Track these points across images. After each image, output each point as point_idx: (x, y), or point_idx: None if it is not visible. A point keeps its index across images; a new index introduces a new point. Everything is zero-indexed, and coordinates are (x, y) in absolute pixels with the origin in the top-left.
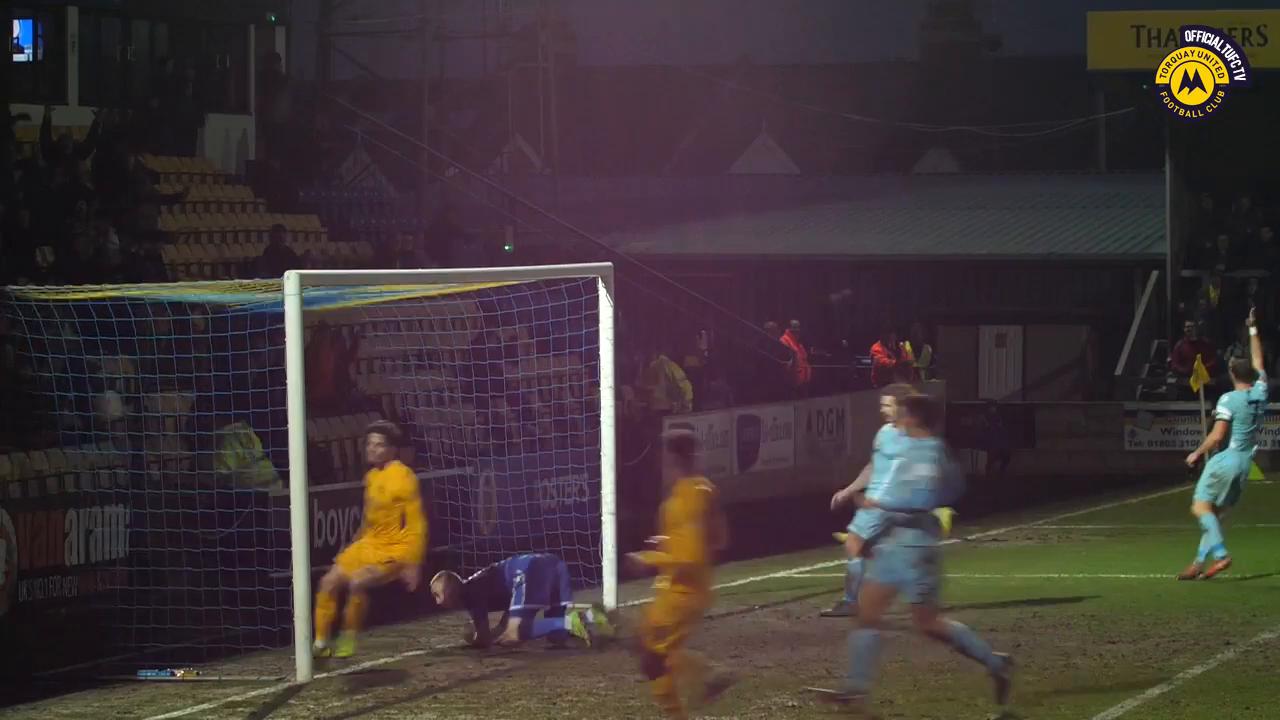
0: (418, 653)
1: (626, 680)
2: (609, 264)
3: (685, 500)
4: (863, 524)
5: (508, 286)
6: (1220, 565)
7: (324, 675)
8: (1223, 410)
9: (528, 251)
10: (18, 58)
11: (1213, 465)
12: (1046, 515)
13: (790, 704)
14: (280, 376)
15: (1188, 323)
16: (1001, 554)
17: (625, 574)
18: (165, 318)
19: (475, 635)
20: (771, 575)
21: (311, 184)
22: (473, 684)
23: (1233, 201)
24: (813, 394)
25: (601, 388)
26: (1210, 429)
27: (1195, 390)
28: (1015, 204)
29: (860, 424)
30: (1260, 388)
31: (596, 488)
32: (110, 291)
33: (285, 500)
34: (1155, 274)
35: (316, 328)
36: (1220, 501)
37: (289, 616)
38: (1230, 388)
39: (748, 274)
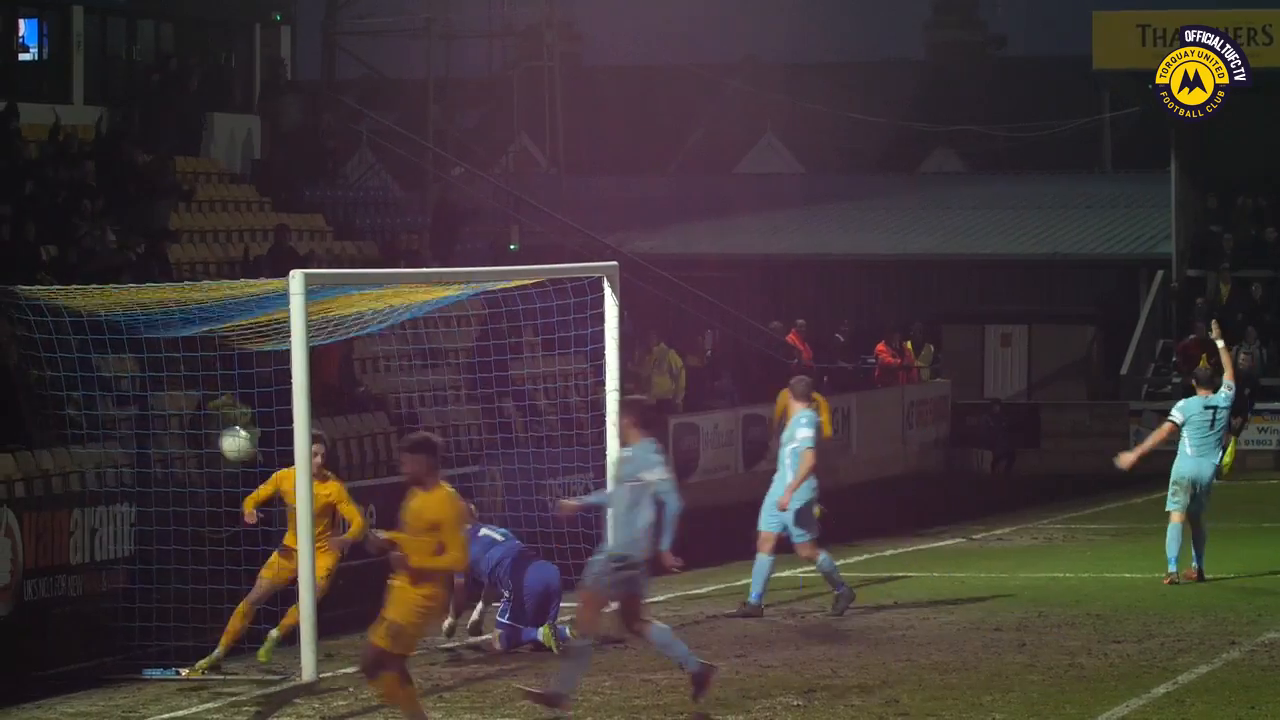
0: (422, 652)
1: (631, 680)
2: (614, 263)
3: (449, 503)
4: (771, 522)
5: (513, 286)
6: (1169, 578)
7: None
8: (1175, 413)
9: (533, 251)
10: (23, 57)
11: (1173, 473)
12: (1051, 515)
13: (795, 703)
14: (285, 375)
15: (1198, 323)
16: (1006, 553)
17: (371, 547)
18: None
19: (450, 606)
20: (776, 574)
21: (316, 183)
22: (478, 683)
23: (1238, 201)
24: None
25: (606, 387)
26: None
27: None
28: (1020, 203)
29: (866, 423)
30: (1222, 395)
31: (602, 487)
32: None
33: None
34: (1160, 273)
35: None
36: (1188, 509)
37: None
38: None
39: (753, 273)
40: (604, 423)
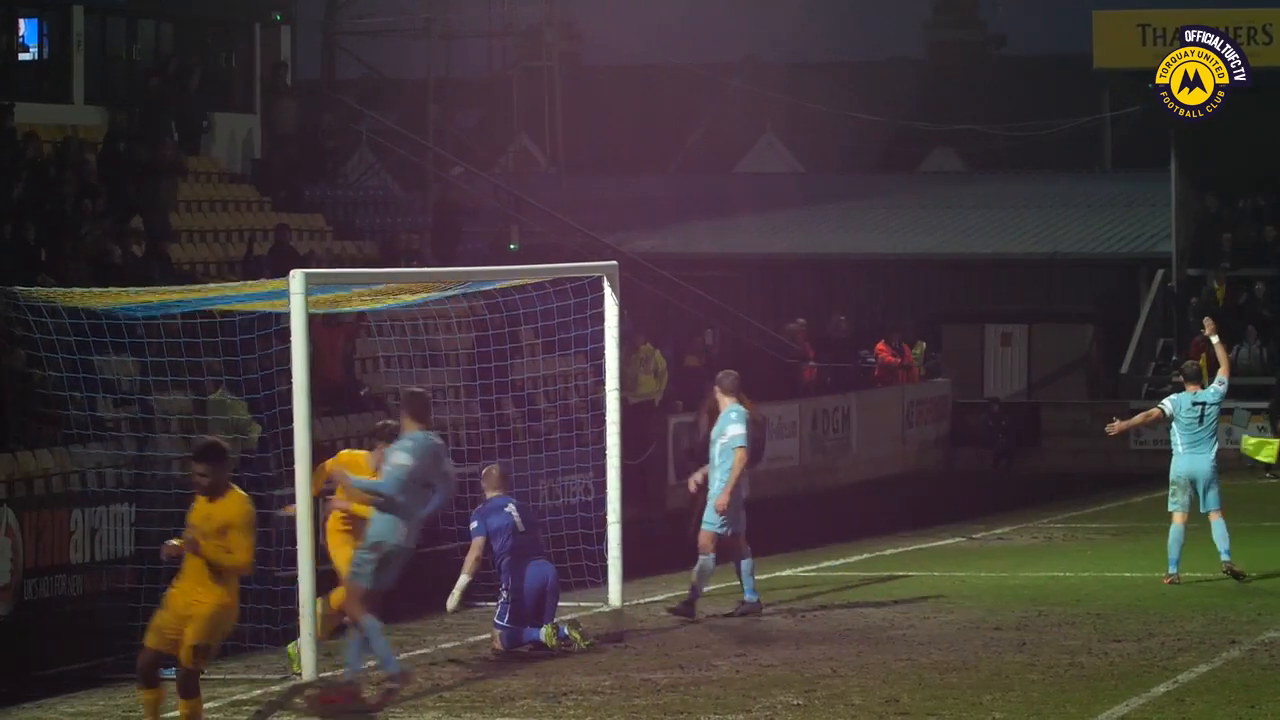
0: (423, 651)
1: (632, 679)
2: (614, 263)
3: (240, 506)
4: (713, 521)
5: (513, 285)
6: (1168, 578)
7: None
8: (1165, 403)
9: (533, 250)
10: (23, 57)
11: (1170, 474)
12: (1051, 514)
13: (796, 702)
14: (286, 375)
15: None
16: (1007, 552)
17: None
18: (174, 321)
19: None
20: (777, 574)
21: (316, 183)
22: (478, 683)
23: (1238, 200)
24: (818, 393)
25: (606, 387)
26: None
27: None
28: (1020, 203)
29: (866, 422)
30: (1212, 391)
31: (602, 487)
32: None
33: (290, 499)
34: (1160, 273)
35: (324, 319)
36: (1188, 508)
37: (294, 615)
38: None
39: (753, 273)
40: (604, 422)
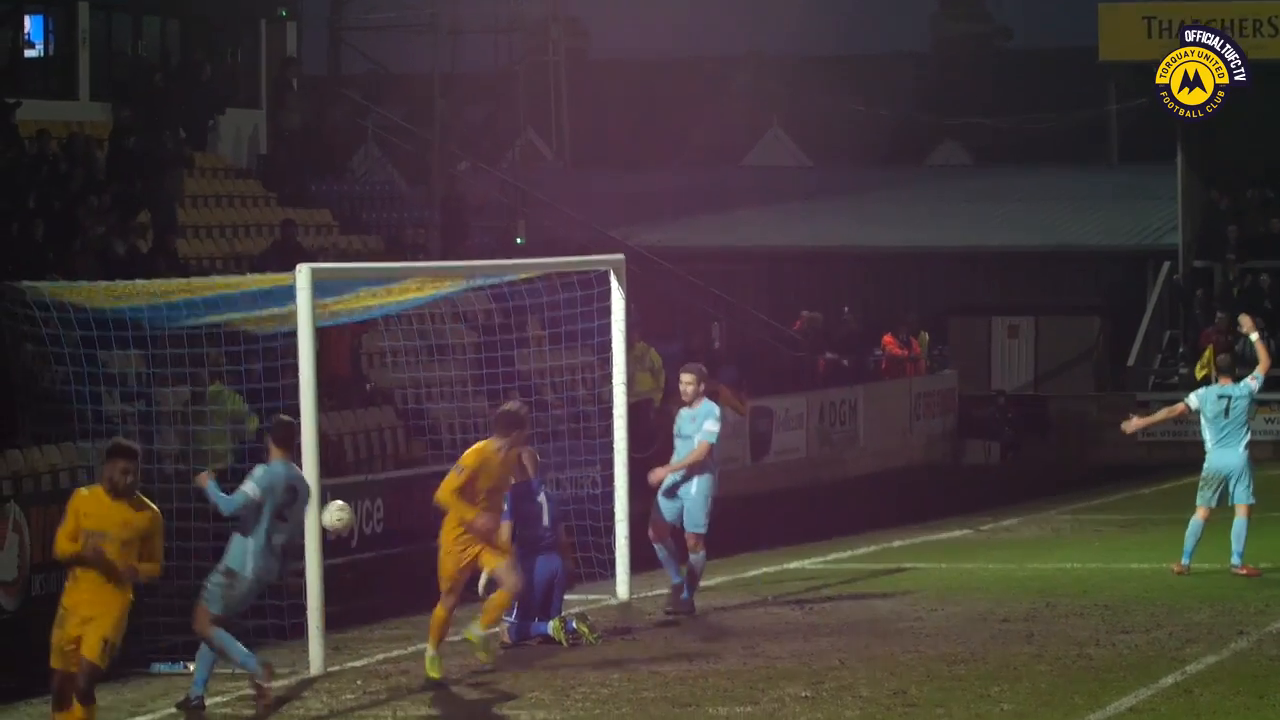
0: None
1: (640, 672)
2: (620, 256)
3: (158, 511)
4: (699, 523)
5: (520, 279)
6: (1179, 568)
7: (335, 669)
8: (1190, 398)
9: (539, 245)
10: (29, 53)
11: (1203, 469)
12: (1059, 506)
13: (804, 695)
14: (290, 370)
15: (1219, 314)
16: (1014, 544)
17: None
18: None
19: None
20: (785, 566)
21: (323, 178)
22: (486, 676)
23: (1245, 192)
24: (825, 385)
25: (614, 380)
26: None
27: (1199, 379)
28: (1027, 196)
29: (873, 415)
30: (1245, 386)
31: (609, 480)
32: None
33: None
34: (1167, 265)
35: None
36: (1214, 504)
37: (302, 610)
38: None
39: (759, 266)
40: (611, 416)
